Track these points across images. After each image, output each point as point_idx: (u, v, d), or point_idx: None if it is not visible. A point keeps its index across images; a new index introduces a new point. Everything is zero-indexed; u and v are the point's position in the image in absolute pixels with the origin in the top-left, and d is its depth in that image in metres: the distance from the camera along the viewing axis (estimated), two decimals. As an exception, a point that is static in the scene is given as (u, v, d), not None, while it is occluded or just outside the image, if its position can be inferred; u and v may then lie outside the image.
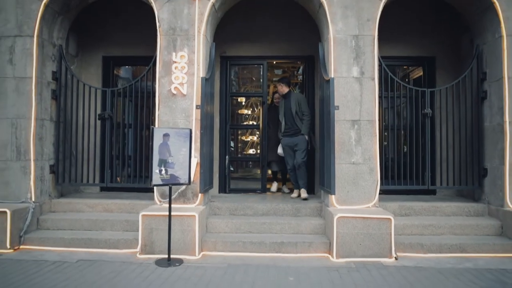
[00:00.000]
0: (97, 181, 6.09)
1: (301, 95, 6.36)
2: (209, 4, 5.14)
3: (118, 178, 6.08)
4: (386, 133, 6.06)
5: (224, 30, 6.06)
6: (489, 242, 4.73)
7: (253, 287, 3.61)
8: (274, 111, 6.49)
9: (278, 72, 9.90)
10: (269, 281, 3.76)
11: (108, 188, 6.15)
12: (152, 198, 5.24)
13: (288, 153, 5.92)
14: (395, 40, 6.24)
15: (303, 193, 5.82)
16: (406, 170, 5.58)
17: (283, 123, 5.96)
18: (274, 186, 6.80)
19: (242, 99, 10.22)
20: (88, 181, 5.83)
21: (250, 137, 10.59)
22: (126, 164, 6.00)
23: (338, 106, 4.86)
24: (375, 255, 4.46)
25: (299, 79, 9.64)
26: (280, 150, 6.15)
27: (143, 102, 5.69)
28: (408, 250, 4.66)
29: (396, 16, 5.92)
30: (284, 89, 6.01)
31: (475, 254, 4.61)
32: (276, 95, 6.59)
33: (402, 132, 6.10)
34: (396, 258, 4.47)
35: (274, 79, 9.13)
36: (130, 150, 6.17)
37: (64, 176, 5.72)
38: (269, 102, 6.96)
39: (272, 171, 6.97)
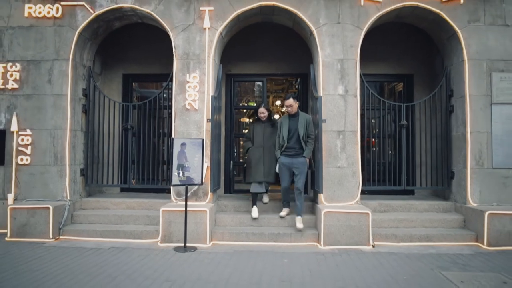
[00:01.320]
0: (117, 182, 7.03)
1: (309, 116, 5.83)
2: (217, 33, 6.09)
3: (133, 181, 6.97)
4: (370, 141, 7.00)
5: (229, 51, 7.00)
6: (452, 233, 5.65)
7: (255, 266, 4.52)
8: (259, 127, 6.13)
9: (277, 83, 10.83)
10: (267, 263, 4.67)
11: (127, 189, 7.09)
12: (166, 198, 6.19)
13: (285, 172, 5.66)
14: (378, 60, 7.21)
15: (299, 223, 5.55)
16: (385, 173, 6.52)
17: (285, 142, 5.64)
18: (255, 212, 5.94)
19: (244, 105, 11.17)
20: (112, 182, 6.78)
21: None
22: (145, 168, 6.92)
23: (325, 120, 5.80)
24: (355, 244, 5.37)
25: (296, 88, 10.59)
26: (277, 169, 5.85)
27: (160, 114, 6.65)
28: (384, 240, 5.57)
29: (379, 39, 6.88)
30: (294, 107, 5.68)
31: (439, 243, 5.52)
32: (261, 110, 6.14)
33: (383, 140, 7.02)
34: (373, 246, 5.38)
35: (273, 89, 10.07)
36: (146, 156, 7.10)
37: (92, 178, 6.65)
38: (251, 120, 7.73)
39: (252, 194, 6.02)
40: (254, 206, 6.00)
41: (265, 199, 6.38)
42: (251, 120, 8.25)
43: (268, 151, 6.00)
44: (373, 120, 7.14)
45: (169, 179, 6.21)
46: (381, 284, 3.91)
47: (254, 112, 8.37)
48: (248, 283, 3.93)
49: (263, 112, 6.17)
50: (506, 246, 5.29)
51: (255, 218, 5.91)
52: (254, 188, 5.99)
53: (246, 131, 5.74)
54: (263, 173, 5.93)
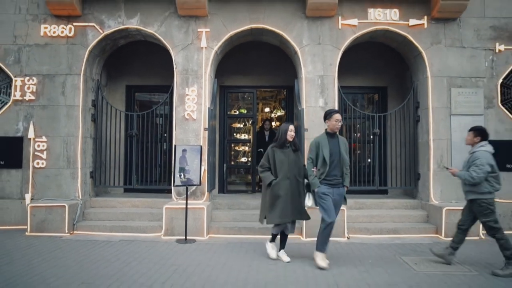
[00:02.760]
0: (122, 184, 7.79)
1: (345, 139, 5.04)
2: (213, 52, 6.92)
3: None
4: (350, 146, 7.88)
5: (223, 65, 7.82)
6: (416, 227, 6.56)
7: (246, 254, 5.34)
8: (282, 154, 4.98)
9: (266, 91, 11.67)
10: (257, 251, 5.49)
11: (130, 189, 7.84)
12: (166, 197, 6.99)
13: (331, 203, 4.68)
14: (356, 74, 8.11)
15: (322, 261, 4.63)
16: (361, 175, 7.40)
17: (327, 167, 4.67)
18: (274, 252, 5.12)
19: (236, 113, 11.99)
20: (118, 183, 7.56)
21: (242, 147, 12.32)
22: (148, 170, 7.69)
23: (307, 129, 6.64)
24: (333, 236, 6.14)
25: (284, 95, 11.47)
26: (310, 203, 4.92)
27: (159, 122, 7.44)
28: (357, 233, 6.45)
29: (358, 55, 7.75)
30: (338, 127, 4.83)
31: (405, 235, 6.42)
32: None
33: (360, 145, 7.92)
34: (348, 238, 6.25)
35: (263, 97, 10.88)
36: (148, 160, 7.89)
37: (100, 180, 7.41)
38: (258, 126, 8.67)
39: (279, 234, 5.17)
40: (273, 243, 5.12)
41: (273, 253, 5.11)
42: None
43: (295, 181, 4.92)
44: (351, 128, 8.03)
45: (165, 180, 7.03)
46: (350, 266, 4.77)
47: (264, 122, 9.35)
48: (241, 265, 4.75)
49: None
50: (460, 237, 6.20)
51: (273, 259, 5.01)
52: (278, 229, 5.02)
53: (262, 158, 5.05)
54: (294, 210, 4.88)
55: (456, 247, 4.90)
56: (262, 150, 8.26)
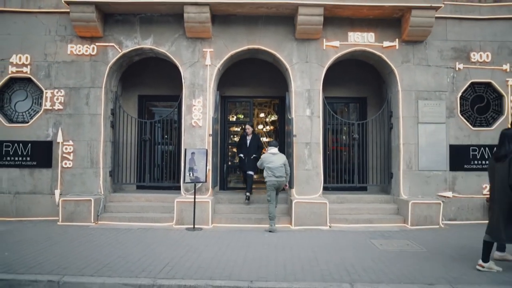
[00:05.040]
0: (135, 181, 8.93)
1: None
2: (216, 68, 8.10)
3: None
4: (336, 149, 9.11)
5: (224, 78, 8.98)
6: (388, 218, 7.78)
7: (245, 238, 6.52)
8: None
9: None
10: (254, 236, 6.67)
11: (142, 186, 8.99)
12: (174, 193, 8.15)
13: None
14: (340, 86, 9.32)
15: None
16: (345, 174, 8.62)
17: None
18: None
19: (233, 119, 13.17)
20: (134, 181, 8.72)
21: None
22: (157, 170, 8.84)
23: (296, 135, 7.83)
24: (317, 225, 7.42)
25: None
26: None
27: (169, 128, 8.60)
28: (338, 222, 7.65)
29: (342, 69, 8.90)
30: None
31: (377, 224, 7.63)
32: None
33: (344, 148, 9.13)
34: (330, 227, 7.45)
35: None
36: (159, 161, 9.05)
37: (118, 178, 8.56)
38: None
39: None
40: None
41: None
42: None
43: None
44: (335, 133, 9.25)
45: (171, 179, 8.25)
46: (328, 246, 5.98)
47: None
48: (242, 246, 5.94)
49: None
50: (422, 225, 7.46)
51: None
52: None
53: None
54: None
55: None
56: (255, 155, 8.58)
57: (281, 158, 7.30)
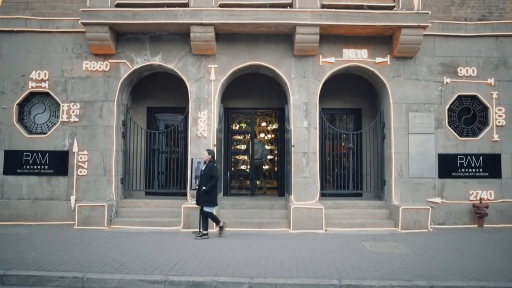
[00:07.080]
0: (143, 188, 9.55)
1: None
2: (220, 83, 8.73)
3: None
4: (329, 158, 9.70)
5: (227, 91, 9.61)
6: (380, 222, 8.34)
7: (246, 240, 7.10)
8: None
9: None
10: (254, 239, 7.25)
11: (150, 193, 9.60)
12: (180, 199, 8.74)
13: None
14: (336, 98, 9.92)
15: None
16: (342, 181, 9.19)
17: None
18: None
19: (236, 127, 13.79)
20: (145, 187, 9.33)
21: (242, 156, 14.10)
22: (165, 177, 9.44)
23: (294, 145, 8.44)
24: (313, 229, 7.99)
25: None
26: None
27: (176, 138, 9.23)
28: (333, 227, 8.21)
29: (337, 84, 9.52)
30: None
31: (370, 228, 8.19)
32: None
33: (341, 157, 9.71)
34: (325, 230, 8.01)
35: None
36: (166, 169, 9.64)
37: (128, 185, 9.18)
38: None
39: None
40: None
41: None
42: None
43: None
44: (332, 142, 9.84)
45: (178, 185, 8.87)
46: (322, 248, 6.55)
47: None
48: (243, 248, 6.52)
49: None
50: (412, 229, 8.01)
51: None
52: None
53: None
54: None
55: None
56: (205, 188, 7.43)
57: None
